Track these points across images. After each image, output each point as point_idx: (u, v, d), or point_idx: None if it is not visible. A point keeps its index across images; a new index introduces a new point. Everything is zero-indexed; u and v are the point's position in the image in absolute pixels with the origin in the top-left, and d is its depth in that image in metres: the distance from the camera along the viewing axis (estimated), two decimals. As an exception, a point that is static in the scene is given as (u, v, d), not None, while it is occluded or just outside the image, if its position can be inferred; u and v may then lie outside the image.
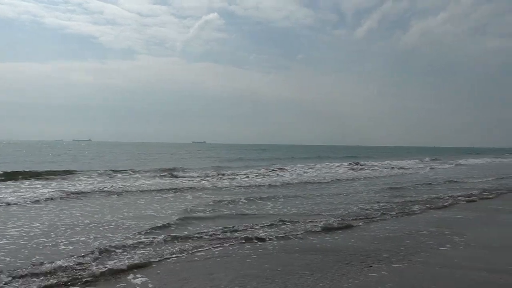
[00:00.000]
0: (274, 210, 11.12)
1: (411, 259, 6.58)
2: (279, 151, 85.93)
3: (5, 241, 7.24)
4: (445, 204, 12.69)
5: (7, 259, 6.20)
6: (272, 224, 8.94)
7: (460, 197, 14.23)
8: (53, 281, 5.25)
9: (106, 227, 8.52)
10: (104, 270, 5.67)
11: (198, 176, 20.80)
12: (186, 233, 8.04)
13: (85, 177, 18.50)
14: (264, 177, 21.91)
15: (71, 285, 5.19)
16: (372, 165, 34.27)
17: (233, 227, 8.54)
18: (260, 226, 8.73)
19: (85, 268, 5.75)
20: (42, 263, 5.87)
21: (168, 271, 5.84)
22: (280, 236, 7.99)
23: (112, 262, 6.09)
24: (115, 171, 21.13)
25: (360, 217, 10.09)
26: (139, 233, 7.93)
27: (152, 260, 6.29)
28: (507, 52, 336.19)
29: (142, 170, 22.77)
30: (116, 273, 5.66)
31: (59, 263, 5.85)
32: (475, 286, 5.41)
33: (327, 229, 8.67)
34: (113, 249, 6.73)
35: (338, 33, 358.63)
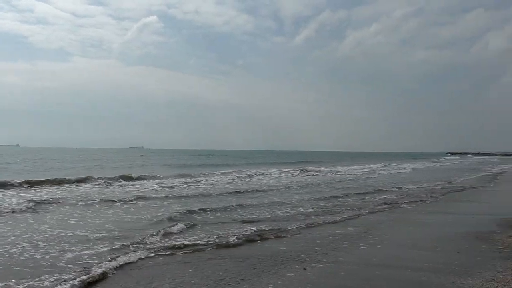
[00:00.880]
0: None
1: (330, 260, 7.02)
2: (225, 156, 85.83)
3: None
4: (370, 207, 13.59)
5: None
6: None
7: (382, 200, 15.32)
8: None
9: None
10: None
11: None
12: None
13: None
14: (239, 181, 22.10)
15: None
16: (321, 171, 36.05)
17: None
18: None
19: None
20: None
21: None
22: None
23: None
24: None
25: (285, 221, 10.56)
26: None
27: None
28: (431, 63, 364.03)
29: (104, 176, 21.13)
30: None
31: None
32: (400, 284, 5.82)
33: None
34: None
35: (277, 40, 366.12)
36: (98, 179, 20.22)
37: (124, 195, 15.34)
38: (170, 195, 15.85)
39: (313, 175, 31.27)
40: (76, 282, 5.52)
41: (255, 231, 9.11)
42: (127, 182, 20.83)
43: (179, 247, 7.67)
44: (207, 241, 8.21)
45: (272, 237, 8.79)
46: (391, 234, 9.31)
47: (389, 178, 28.82)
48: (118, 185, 19.42)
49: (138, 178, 22.30)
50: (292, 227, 9.76)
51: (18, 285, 5.42)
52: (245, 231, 9.08)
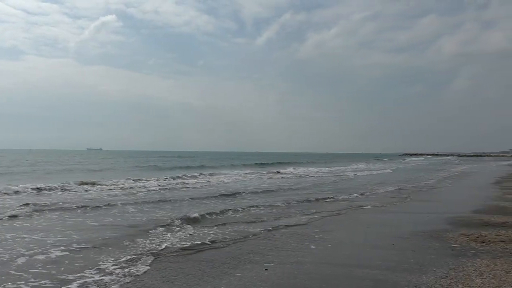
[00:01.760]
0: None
1: (292, 260, 7.09)
2: (190, 157, 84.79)
3: None
4: (332, 209, 13.86)
5: None
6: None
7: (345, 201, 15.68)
8: None
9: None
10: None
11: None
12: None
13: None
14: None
15: None
16: (291, 172, 36.67)
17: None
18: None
19: None
20: None
21: None
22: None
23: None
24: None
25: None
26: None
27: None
28: (387, 66, 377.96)
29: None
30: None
31: None
32: (358, 282, 5.95)
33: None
34: None
35: (238, 41, 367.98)
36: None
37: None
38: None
39: (281, 178, 30.96)
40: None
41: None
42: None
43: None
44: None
45: (236, 239, 8.81)
46: (351, 234, 9.54)
47: (363, 180, 29.46)
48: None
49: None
50: (256, 229, 9.82)
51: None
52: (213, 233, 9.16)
